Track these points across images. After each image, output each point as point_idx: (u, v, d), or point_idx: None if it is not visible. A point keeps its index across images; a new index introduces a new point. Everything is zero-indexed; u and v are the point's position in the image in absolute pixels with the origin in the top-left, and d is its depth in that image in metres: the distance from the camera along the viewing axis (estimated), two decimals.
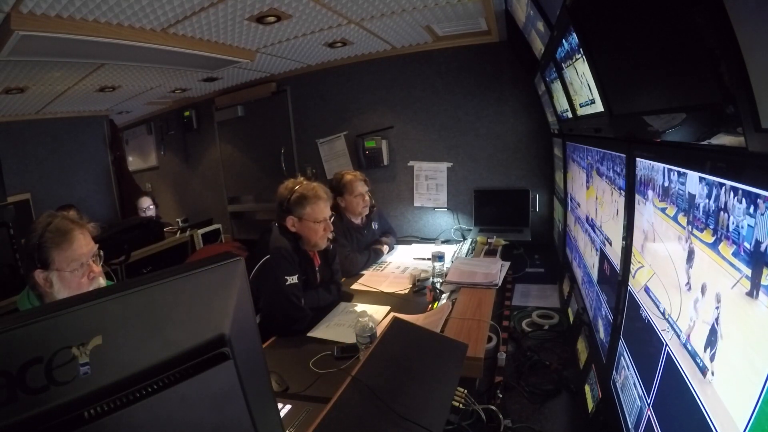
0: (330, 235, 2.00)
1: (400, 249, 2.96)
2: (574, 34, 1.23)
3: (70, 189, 4.32)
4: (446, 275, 2.15)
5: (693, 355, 0.67)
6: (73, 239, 1.28)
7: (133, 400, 0.51)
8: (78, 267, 1.29)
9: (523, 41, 2.30)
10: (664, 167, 0.83)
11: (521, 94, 3.08)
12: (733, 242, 0.57)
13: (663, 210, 0.84)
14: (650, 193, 0.93)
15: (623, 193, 1.14)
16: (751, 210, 0.53)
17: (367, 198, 2.71)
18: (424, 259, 2.61)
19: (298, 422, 1.17)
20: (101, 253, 1.39)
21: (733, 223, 0.57)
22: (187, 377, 0.56)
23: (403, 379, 1.12)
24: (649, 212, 0.94)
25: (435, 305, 1.93)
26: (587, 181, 1.69)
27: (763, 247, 0.50)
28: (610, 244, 1.30)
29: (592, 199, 1.58)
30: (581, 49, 1.22)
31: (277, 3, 2.08)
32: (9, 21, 1.73)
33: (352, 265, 2.46)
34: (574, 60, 1.35)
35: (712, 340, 0.62)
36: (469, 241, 2.84)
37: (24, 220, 3.45)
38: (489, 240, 2.77)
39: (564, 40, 1.38)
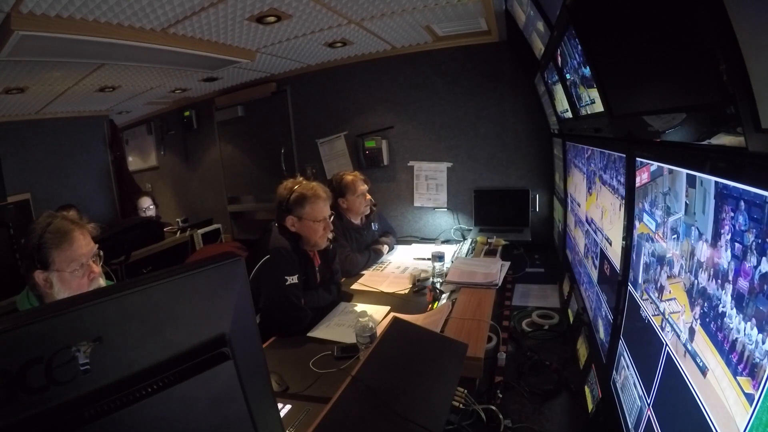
0: (330, 235, 2.00)
1: (400, 249, 2.96)
2: (575, 38, 1.23)
3: (70, 189, 4.32)
4: (446, 275, 2.15)
5: (693, 355, 0.67)
6: (73, 240, 1.28)
7: (133, 400, 0.51)
8: (78, 267, 1.29)
9: (523, 41, 2.31)
10: None
11: (521, 94, 3.07)
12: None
13: None
14: None
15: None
16: None
17: (369, 196, 2.72)
18: (424, 259, 2.61)
19: (298, 422, 1.17)
20: (101, 253, 1.39)
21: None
22: (187, 377, 0.56)
23: (403, 379, 1.12)
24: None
25: (435, 305, 1.93)
26: (589, 189, 1.68)
27: None
28: (611, 244, 1.30)
29: (594, 204, 1.58)
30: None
31: (277, 3, 2.08)
32: (9, 21, 1.73)
33: (352, 265, 2.46)
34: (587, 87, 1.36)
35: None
36: (469, 241, 2.84)
37: (24, 220, 3.47)
38: (489, 240, 2.77)
39: (572, 60, 1.38)
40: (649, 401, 0.84)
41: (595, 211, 1.55)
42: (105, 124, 4.72)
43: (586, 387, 1.31)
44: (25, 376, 0.44)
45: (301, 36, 2.69)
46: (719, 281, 0.61)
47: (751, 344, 0.52)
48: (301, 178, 2.05)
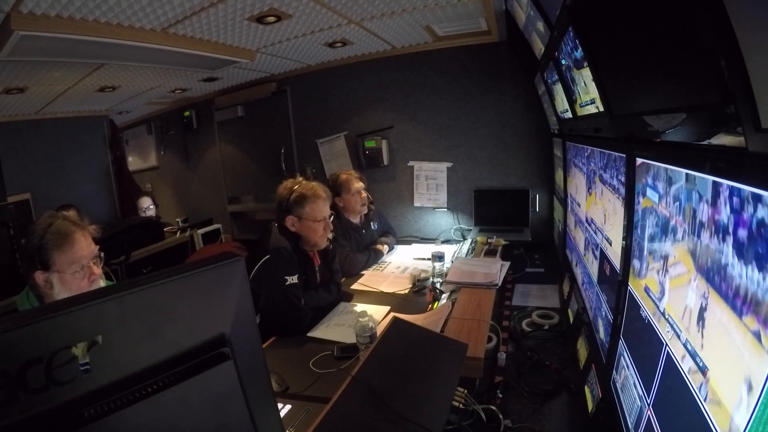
0: (330, 235, 2.00)
1: (400, 249, 2.96)
2: (574, 35, 1.23)
3: (70, 189, 4.32)
4: (446, 275, 2.15)
5: (693, 354, 0.67)
6: (74, 241, 1.28)
7: (133, 400, 0.51)
8: (79, 269, 1.29)
9: (523, 41, 2.31)
10: None
11: (521, 94, 3.08)
12: None
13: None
14: None
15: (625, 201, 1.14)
16: None
17: (364, 195, 2.72)
18: (424, 259, 2.61)
19: (298, 422, 1.17)
20: (102, 255, 1.39)
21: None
22: (187, 377, 0.56)
23: (403, 379, 1.12)
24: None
25: (435, 305, 1.93)
26: (589, 188, 1.68)
27: None
28: (611, 244, 1.30)
29: (594, 204, 1.58)
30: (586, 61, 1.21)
31: (277, 3, 2.08)
32: (9, 21, 1.74)
33: (352, 265, 2.46)
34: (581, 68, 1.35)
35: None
36: (469, 241, 2.84)
37: (24, 220, 3.46)
38: (489, 240, 2.77)
39: (566, 46, 1.38)
40: (649, 401, 0.84)
41: (595, 211, 1.55)
42: (105, 124, 4.72)
43: (586, 387, 1.31)
44: (25, 376, 0.44)
45: (301, 36, 2.69)
46: (721, 235, 0.62)
47: (753, 286, 0.53)
48: (301, 178, 2.05)
